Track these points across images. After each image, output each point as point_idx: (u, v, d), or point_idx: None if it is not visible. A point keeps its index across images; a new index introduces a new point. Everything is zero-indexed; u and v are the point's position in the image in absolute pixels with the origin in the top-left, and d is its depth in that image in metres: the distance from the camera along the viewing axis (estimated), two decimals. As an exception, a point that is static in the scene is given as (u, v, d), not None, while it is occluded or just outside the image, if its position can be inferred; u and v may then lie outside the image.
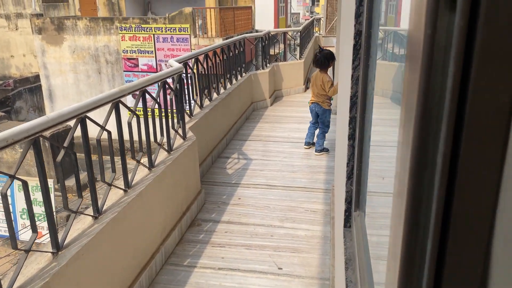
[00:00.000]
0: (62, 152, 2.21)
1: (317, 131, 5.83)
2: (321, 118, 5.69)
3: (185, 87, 4.47)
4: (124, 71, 17.30)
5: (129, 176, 2.98)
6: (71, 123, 2.39)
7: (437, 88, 0.46)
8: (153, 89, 3.83)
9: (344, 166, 1.63)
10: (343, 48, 2.29)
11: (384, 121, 1.60)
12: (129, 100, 14.34)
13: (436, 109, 0.47)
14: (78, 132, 2.41)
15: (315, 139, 5.83)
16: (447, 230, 0.48)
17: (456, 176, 0.48)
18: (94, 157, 2.68)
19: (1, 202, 1.83)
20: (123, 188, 2.91)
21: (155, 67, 17.01)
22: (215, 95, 5.77)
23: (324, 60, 5.49)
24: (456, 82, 0.45)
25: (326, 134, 5.71)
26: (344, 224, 1.60)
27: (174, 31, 16.36)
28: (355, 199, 1.49)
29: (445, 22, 0.45)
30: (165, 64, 16.70)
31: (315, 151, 5.73)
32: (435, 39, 0.44)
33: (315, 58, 5.61)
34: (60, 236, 2.25)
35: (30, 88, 20.67)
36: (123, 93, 2.77)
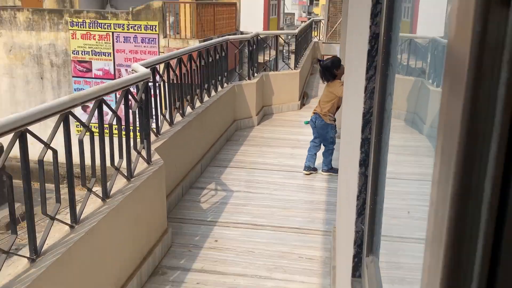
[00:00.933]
0: (-7, 175, 2.18)
1: (321, 151, 6.01)
2: (321, 134, 5.84)
3: (152, 98, 4.48)
4: (73, 76, 17.28)
5: (78, 208, 2.93)
6: (6, 138, 2.36)
7: (486, 98, 0.48)
8: (109, 101, 3.82)
9: (353, 200, 1.64)
10: (351, 55, 2.34)
11: (397, 148, 1.62)
12: (78, 113, 14.29)
13: (484, 124, 0.48)
14: (14, 151, 2.38)
15: (317, 163, 5.97)
16: (495, 275, 0.49)
17: (507, 210, 0.48)
18: (33, 183, 2.64)
19: None
20: (69, 223, 2.86)
21: (112, 72, 17.05)
22: (189, 110, 5.79)
23: (324, 71, 5.67)
24: (510, 91, 0.46)
25: (331, 152, 5.91)
26: (352, 273, 1.59)
27: (139, 29, 16.49)
28: (367, 242, 1.49)
29: (498, 20, 0.46)
30: (126, 70, 16.74)
31: (322, 170, 5.97)
32: (486, 39, 0.46)
33: (320, 73, 5.89)
34: (-15, 283, 2.19)
35: (-48, 94, 20.37)
36: (75, 102, 2.76)
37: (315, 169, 6.02)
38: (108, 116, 3.48)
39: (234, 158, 6.55)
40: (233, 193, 5.43)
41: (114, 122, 3.42)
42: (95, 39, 16.91)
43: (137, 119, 3.82)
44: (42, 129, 3.07)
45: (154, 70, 4.51)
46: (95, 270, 3.03)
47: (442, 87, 0.55)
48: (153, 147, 4.25)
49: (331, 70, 5.68)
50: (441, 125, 0.55)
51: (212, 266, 3.96)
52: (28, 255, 2.50)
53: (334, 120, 5.81)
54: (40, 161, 2.55)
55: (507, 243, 0.50)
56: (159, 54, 16.21)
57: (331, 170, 5.94)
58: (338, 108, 5.77)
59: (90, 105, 3.12)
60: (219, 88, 7.16)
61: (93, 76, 17.23)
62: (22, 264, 2.48)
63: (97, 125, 3.22)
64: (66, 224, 2.85)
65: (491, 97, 0.46)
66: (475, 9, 0.45)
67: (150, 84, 4.18)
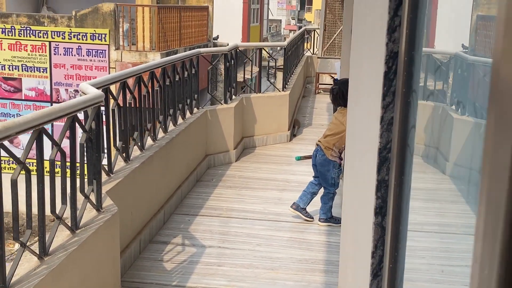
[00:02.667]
0: None
1: (320, 195, 6.07)
2: (320, 173, 5.92)
3: (104, 127, 4.51)
4: (-4, 98, 17.24)
5: (8, 268, 2.92)
6: None
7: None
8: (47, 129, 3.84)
9: (366, 257, 1.67)
10: (358, 77, 2.42)
11: (415, 192, 1.67)
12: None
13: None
14: None
15: (314, 209, 5.99)
16: None
17: None
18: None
19: None
20: (-3, 288, 2.84)
21: (49, 93, 17.07)
22: (149, 142, 5.82)
23: (337, 95, 5.83)
24: None
25: (332, 197, 5.96)
26: None
27: (84, 39, 16.63)
28: (386, 311, 1.52)
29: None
30: (67, 90, 16.75)
31: (319, 219, 6.03)
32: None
33: (331, 93, 5.99)
34: None
35: None
36: (8, 132, 2.78)
37: (305, 212, 6.03)
38: (46, 149, 3.50)
39: (206, 204, 6.56)
40: (204, 249, 5.42)
41: (57, 157, 3.44)
42: (26, 50, 16.97)
43: (85, 154, 3.84)
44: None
45: (106, 92, 4.55)
46: None
47: (487, 121, 0.60)
48: (104, 189, 4.26)
49: (347, 95, 5.74)
50: (485, 168, 0.60)
51: None
52: None
53: (340, 158, 5.85)
54: (-38, 208, 2.55)
55: None
56: (109, 71, 16.30)
57: (331, 219, 5.99)
58: None
59: (20, 136, 3.14)
60: (188, 114, 7.22)
61: (23, 98, 17.21)
62: None
63: (34, 161, 3.24)
64: (-8, 289, 2.83)
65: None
66: None
67: (101, 109, 4.22)
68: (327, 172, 5.85)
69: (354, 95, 2.91)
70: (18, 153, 3.06)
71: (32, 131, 3.12)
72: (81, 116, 3.80)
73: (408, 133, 1.45)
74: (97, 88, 4.23)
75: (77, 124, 3.65)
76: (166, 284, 4.74)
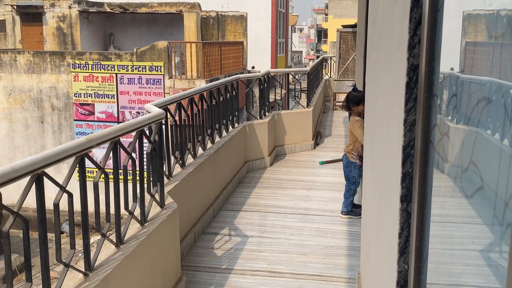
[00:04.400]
0: (10, 219, 2.21)
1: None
2: (345, 172, 5.96)
3: (164, 139, 4.53)
4: (75, 120, 17.53)
5: (92, 254, 2.94)
6: (24, 181, 2.40)
7: None
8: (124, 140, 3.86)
9: (393, 238, 1.64)
10: (382, 88, 2.38)
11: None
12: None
13: None
14: (8, 200, 2.41)
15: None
16: None
17: None
18: (31, 232, 2.66)
19: None
20: (83, 271, 2.86)
21: (116, 115, 17.29)
22: (200, 151, 5.84)
23: (347, 100, 5.91)
24: None
25: (353, 193, 5.94)
26: (395, 316, 1.58)
27: (144, 70, 16.83)
28: (414, 282, 1.48)
29: None
30: (130, 112, 16.97)
31: (341, 212, 6.01)
32: None
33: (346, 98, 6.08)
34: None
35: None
36: (91, 143, 2.81)
37: (353, 212, 5.99)
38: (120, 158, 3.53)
39: (246, 201, 6.55)
40: (247, 238, 5.40)
41: (128, 164, 3.46)
42: (98, 81, 17.25)
43: (151, 161, 3.87)
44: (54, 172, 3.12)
45: (166, 111, 4.59)
46: (110, 321, 3.01)
47: None
48: (165, 190, 4.28)
49: (349, 102, 5.81)
50: None
51: (230, 316, 3.91)
52: (42, 305, 2.49)
53: (360, 160, 5.78)
54: (56, 205, 2.59)
55: None
56: (164, 95, 16.47)
57: (351, 212, 5.93)
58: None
59: (94, 150, 3.16)
60: (230, 128, 7.24)
61: (95, 119, 17.47)
62: (36, 315, 2.48)
63: (108, 168, 3.26)
64: (80, 272, 2.85)
65: None
66: None
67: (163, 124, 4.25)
68: (350, 172, 5.86)
69: (371, 105, 2.88)
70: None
71: (109, 143, 3.15)
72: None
73: (430, 131, 1.43)
74: (159, 107, 4.26)
75: (144, 137, 3.66)
76: (217, 267, 4.73)
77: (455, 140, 1.49)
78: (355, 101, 5.73)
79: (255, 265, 4.78)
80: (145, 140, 3.71)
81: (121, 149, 3.27)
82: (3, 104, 17.59)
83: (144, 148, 3.76)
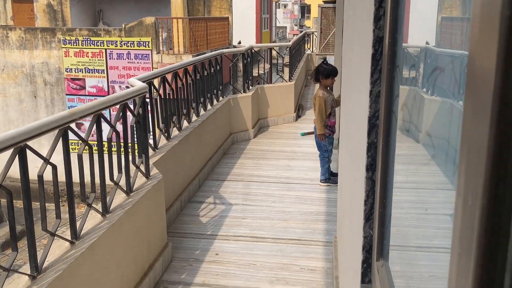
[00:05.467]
0: (-6, 191, 2.16)
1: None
2: (316, 142, 5.99)
3: (149, 112, 4.47)
4: (66, 94, 17.26)
5: (78, 224, 2.91)
6: (5, 154, 2.34)
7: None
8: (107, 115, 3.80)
9: (360, 205, 1.63)
10: (353, 60, 2.35)
11: (398, 157, 1.62)
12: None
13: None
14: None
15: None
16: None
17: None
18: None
19: None
20: (70, 239, 2.84)
21: (106, 89, 17.05)
22: (185, 124, 5.78)
23: (316, 72, 5.91)
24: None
25: (327, 161, 5.98)
26: (361, 279, 1.58)
27: (132, 46, 16.53)
28: (377, 246, 1.48)
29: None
30: (120, 87, 16.75)
31: (320, 181, 6.07)
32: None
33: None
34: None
35: None
36: (74, 117, 2.75)
37: (331, 180, 6.00)
38: (105, 131, 3.47)
39: (231, 171, 6.54)
40: (231, 206, 5.41)
41: (112, 137, 3.41)
42: (88, 56, 16.94)
43: (135, 134, 3.82)
44: (36, 147, 3.06)
45: (150, 85, 4.51)
46: (96, 285, 3.00)
47: (464, 108, 0.54)
48: (151, 161, 4.24)
49: (319, 74, 5.83)
50: (463, 148, 0.54)
51: (214, 279, 3.93)
52: (29, 273, 2.47)
53: (327, 128, 5.85)
54: (40, 177, 2.53)
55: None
56: (152, 70, 16.26)
57: (329, 180, 5.95)
58: (330, 114, 5.82)
59: (84, 122, 3.11)
60: (215, 102, 7.17)
61: (86, 94, 17.23)
62: (23, 282, 2.45)
63: (94, 141, 3.21)
64: (67, 240, 2.82)
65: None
66: (500, 23, 0.44)
67: (147, 98, 4.18)
68: (319, 141, 5.90)
69: (346, 76, 2.85)
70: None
71: (92, 116, 3.09)
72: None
73: (393, 102, 1.40)
74: (143, 82, 4.19)
75: (127, 110, 3.60)
76: (202, 234, 4.73)
77: (429, 111, 1.47)
78: (325, 74, 5.78)
79: (239, 231, 4.79)
80: (129, 114, 3.65)
81: (105, 122, 3.21)
82: (-4, 79, 17.26)
83: (129, 121, 3.71)
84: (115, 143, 3.50)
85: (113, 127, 3.30)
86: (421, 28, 1.55)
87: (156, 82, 4.87)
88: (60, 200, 2.90)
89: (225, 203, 5.49)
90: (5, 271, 2.27)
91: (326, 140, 5.85)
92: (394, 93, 1.40)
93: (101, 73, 17.03)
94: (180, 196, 5.21)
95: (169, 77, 5.21)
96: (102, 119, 3.19)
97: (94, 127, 3.12)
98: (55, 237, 2.72)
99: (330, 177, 5.99)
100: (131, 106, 3.83)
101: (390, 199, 1.45)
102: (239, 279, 3.93)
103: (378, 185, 1.48)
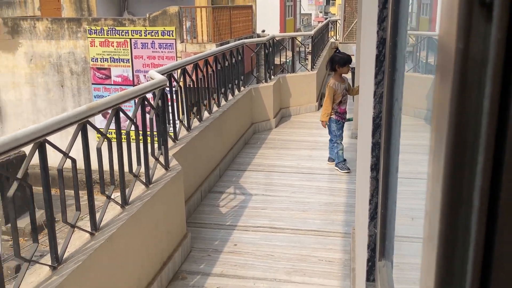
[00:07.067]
0: (14, 185, 2.24)
1: None
2: (327, 126, 6.26)
3: (169, 104, 4.53)
4: (92, 84, 17.52)
5: (97, 215, 2.99)
6: (27, 149, 2.42)
7: (472, 110, 0.49)
8: (129, 107, 3.86)
9: (366, 204, 1.65)
10: (364, 58, 2.35)
11: (416, 148, 1.62)
12: (98, 121, 14.50)
13: (471, 135, 0.50)
14: (34, 160, 2.44)
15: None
16: (488, 281, 0.50)
17: (497, 216, 0.50)
18: (53, 191, 2.70)
19: None
20: (89, 230, 2.91)
21: (131, 79, 17.24)
22: (206, 114, 5.83)
23: (330, 61, 6.09)
24: (495, 104, 0.48)
25: (339, 147, 6.20)
26: (366, 277, 1.60)
27: (156, 35, 16.64)
28: (380, 246, 1.49)
29: (480, 34, 0.48)
30: (145, 76, 16.92)
31: (328, 159, 6.45)
32: (469, 54, 0.47)
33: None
34: (8, 291, 2.25)
35: (-25, 104, 20.81)
36: (92, 111, 2.81)
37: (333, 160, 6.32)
38: (126, 123, 3.53)
39: (252, 161, 6.58)
40: (251, 196, 5.45)
41: (133, 129, 3.47)
42: (113, 46, 17.12)
43: (154, 126, 3.88)
44: (64, 136, 3.15)
45: (170, 77, 4.56)
46: (116, 276, 3.08)
47: (433, 101, 0.56)
48: (171, 152, 4.30)
49: (334, 64, 6.02)
50: (433, 126, 0.56)
51: (232, 270, 3.98)
52: (49, 263, 2.55)
53: (336, 115, 6.12)
54: (60, 171, 2.61)
55: (500, 241, 0.51)
56: (176, 59, 16.35)
57: (338, 165, 6.21)
58: (341, 102, 6.12)
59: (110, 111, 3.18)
60: (236, 92, 7.20)
61: (112, 83, 17.45)
62: (44, 272, 2.54)
63: (113, 132, 3.28)
64: (86, 231, 2.90)
65: (477, 113, 0.47)
66: (458, 25, 0.47)
67: (167, 90, 4.23)
68: (330, 127, 6.15)
69: (361, 74, 2.84)
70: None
71: (111, 110, 3.15)
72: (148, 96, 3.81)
73: (393, 104, 1.40)
74: (162, 74, 4.24)
75: (146, 103, 3.66)
76: (222, 224, 4.79)
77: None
78: (341, 63, 5.96)
79: (258, 221, 4.84)
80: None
81: (124, 115, 3.27)
82: (25, 69, 17.59)
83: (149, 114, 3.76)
84: (135, 135, 3.56)
85: (131, 120, 3.36)
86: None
87: (176, 73, 4.92)
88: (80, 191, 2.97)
89: (245, 193, 5.54)
90: (27, 262, 2.36)
91: (335, 125, 6.09)
92: (394, 97, 1.39)
93: (126, 62, 17.20)
94: (200, 186, 5.27)
95: (189, 68, 5.26)
96: (121, 113, 3.25)
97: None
98: (75, 229, 2.80)
99: (339, 163, 6.18)
100: (151, 99, 3.89)
101: (392, 199, 1.46)
102: (257, 270, 3.98)
103: (380, 186, 1.50)
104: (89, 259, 2.70)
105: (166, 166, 4.03)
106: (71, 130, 2.77)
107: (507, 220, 0.47)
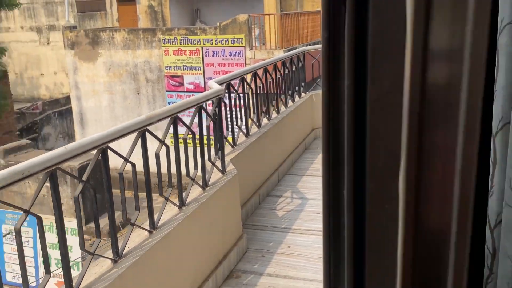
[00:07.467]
0: (79, 186, 2.54)
1: None
2: None
3: (228, 110, 4.77)
4: (166, 91, 18.30)
5: (155, 215, 3.26)
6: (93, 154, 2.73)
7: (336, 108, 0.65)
8: (190, 114, 4.10)
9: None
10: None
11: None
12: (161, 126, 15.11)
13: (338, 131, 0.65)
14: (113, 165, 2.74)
15: None
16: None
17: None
18: (129, 194, 3.01)
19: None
20: (148, 229, 3.19)
21: (203, 86, 17.83)
22: (265, 121, 6.03)
23: None
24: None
25: None
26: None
27: (226, 43, 17.15)
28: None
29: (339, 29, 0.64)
30: (214, 82, 17.43)
31: None
32: (329, 51, 0.63)
33: None
34: (74, 281, 2.55)
35: (60, 111, 22.37)
36: (150, 120, 3.10)
37: None
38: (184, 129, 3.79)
39: (311, 167, 6.69)
40: (307, 200, 5.58)
41: (190, 135, 3.74)
42: (186, 54, 17.82)
43: (212, 133, 4.13)
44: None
45: (228, 86, 4.81)
46: (172, 271, 3.34)
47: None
48: (228, 158, 4.53)
49: None
50: None
51: (284, 271, 4.15)
52: (111, 257, 2.85)
53: None
54: (120, 174, 2.91)
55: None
56: (245, 66, 16.73)
57: None
58: None
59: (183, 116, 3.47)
60: (296, 98, 7.35)
61: (185, 90, 18.14)
62: (106, 265, 2.84)
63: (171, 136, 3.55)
64: (145, 229, 3.19)
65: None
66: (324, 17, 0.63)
67: (225, 99, 4.47)
68: None
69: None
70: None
71: (169, 118, 3.43)
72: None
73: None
74: (220, 84, 4.48)
75: (203, 111, 3.90)
76: (277, 226, 4.96)
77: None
78: None
79: (312, 225, 4.96)
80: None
81: (181, 123, 3.53)
82: (104, 78, 18.69)
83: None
84: (192, 142, 3.83)
85: (188, 127, 3.62)
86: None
87: (236, 83, 5.15)
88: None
89: (302, 198, 5.68)
90: (90, 255, 2.66)
91: None
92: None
93: (198, 70, 17.83)
94: (258, 190, 5.47)
95: (248, 76, 5.48)
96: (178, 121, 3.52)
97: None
98: (135, 227, 3.09)
99: None
100: (209, 107, 4.15)
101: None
102: (308, 272, 4.12)
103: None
104: (146, 255, 2.98)
105: (223, 170, 4.27)
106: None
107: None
